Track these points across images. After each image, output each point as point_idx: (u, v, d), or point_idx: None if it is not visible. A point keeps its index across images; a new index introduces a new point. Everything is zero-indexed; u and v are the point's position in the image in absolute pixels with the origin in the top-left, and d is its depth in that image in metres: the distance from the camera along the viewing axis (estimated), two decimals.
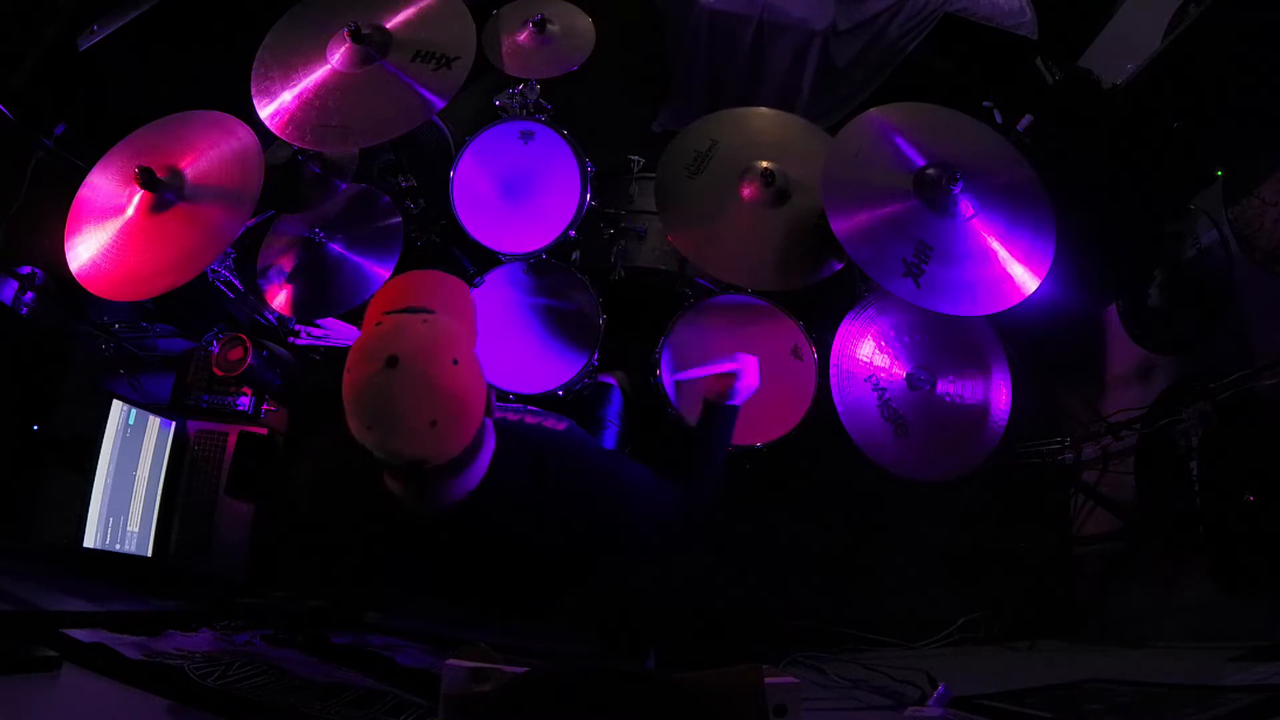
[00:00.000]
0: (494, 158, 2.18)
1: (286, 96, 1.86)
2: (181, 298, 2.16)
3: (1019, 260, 1.73)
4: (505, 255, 2.11)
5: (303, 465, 1.25)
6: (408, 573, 1.25)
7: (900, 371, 1.98)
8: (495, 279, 2.16)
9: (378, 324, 1.04)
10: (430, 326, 1.03)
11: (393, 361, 0.96)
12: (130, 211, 1.78)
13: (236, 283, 2.12)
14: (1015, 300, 1.71)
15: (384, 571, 1.32)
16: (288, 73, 1.88)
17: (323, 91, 1.86)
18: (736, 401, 1.44)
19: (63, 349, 2.32)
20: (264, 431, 2.24)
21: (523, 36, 2.20)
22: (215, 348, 2.14)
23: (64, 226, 1.80)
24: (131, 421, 2.09)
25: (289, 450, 2.26)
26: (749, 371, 1.44)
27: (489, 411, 1.08)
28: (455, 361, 1.00)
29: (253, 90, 1.87)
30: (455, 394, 1.00)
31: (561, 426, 1.32)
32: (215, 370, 2.13)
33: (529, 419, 1.33)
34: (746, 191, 1.97)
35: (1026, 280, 1.72)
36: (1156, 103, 2.10)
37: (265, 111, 1.85)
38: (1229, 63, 1.94)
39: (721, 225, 1.96)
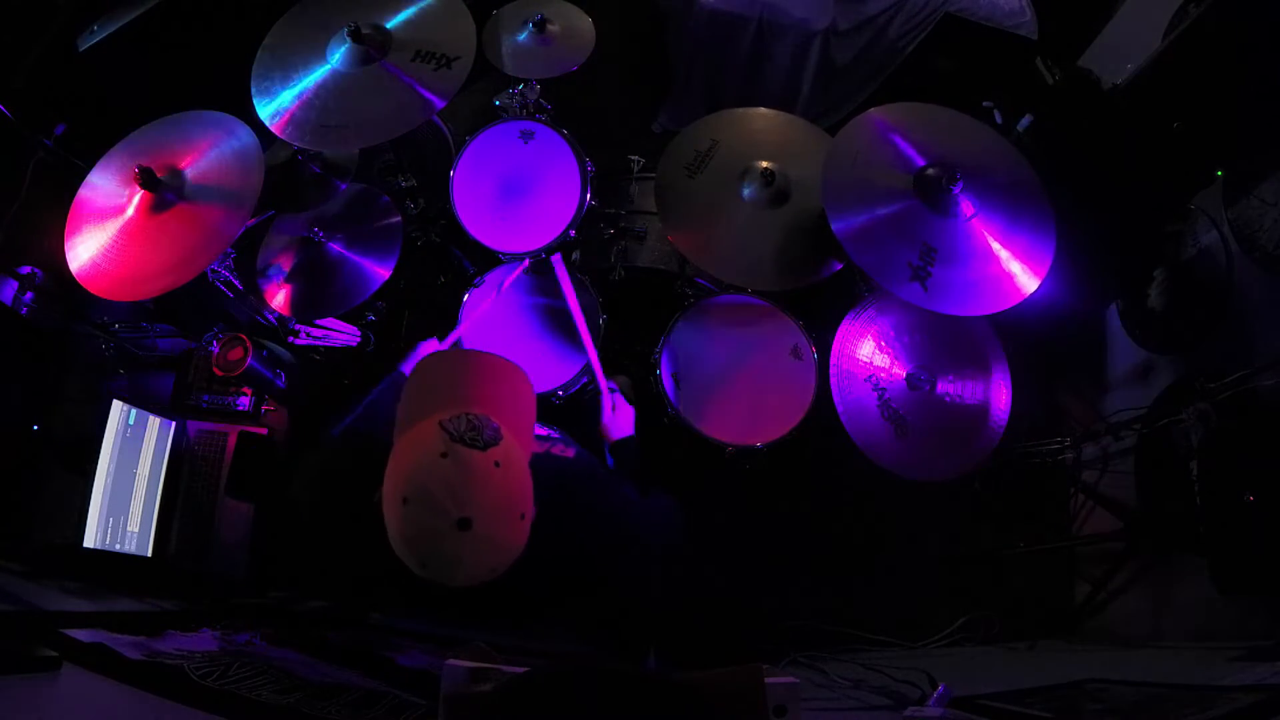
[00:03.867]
0: (494, 158, 2.17)
1: (286, 96, 1.86)
2: (181, 298, 2.17)
3: (1020, 259, 1.72)
4: (505, 255, 2.11)
5: (304, 465, 1.25)
6: (409, 576, 1.24)
7: (900, 371, 1.98)
8: (495, 279, 2.16)
9: (443, 454, 0.92)
10: (504, 473, 0.94)
11: (465, 524, 0.89)
12: (130, 211, 1.78)
13: (236, 283, 2.12)
14: (1019, 298, 1.70)
15: (386, 575, 1.32)
16: (288, 73, 1.88)
17: (323, 91, 1.86)
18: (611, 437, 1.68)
19: (63, 349, 2.32)
20: (264, 431, 2.23)
21: (523, 36, 2.20)
22: (215, 348, 2.14)
23: (64, 226, 1.80)
24: (131, 421, 2.09)
25: (289, 450, 2.26)
26: (620, 421, 1.71)
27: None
28: (523, 516, 0.96)
29: (253, 90, 1.87)
30: (518, 547, 0.98)
31: (570, 453, 1.31)
32: (215, 370, 2.14)
33: (537, 447, 1.29)
34: (746, 191, 1.97)
35: (1028, 279, 1.72)
36: (1156, 103, 2.10)
37: (265, 111, 1.85)
38: (1229, 62, 1.94)
39: (721, 225, 1.96)
